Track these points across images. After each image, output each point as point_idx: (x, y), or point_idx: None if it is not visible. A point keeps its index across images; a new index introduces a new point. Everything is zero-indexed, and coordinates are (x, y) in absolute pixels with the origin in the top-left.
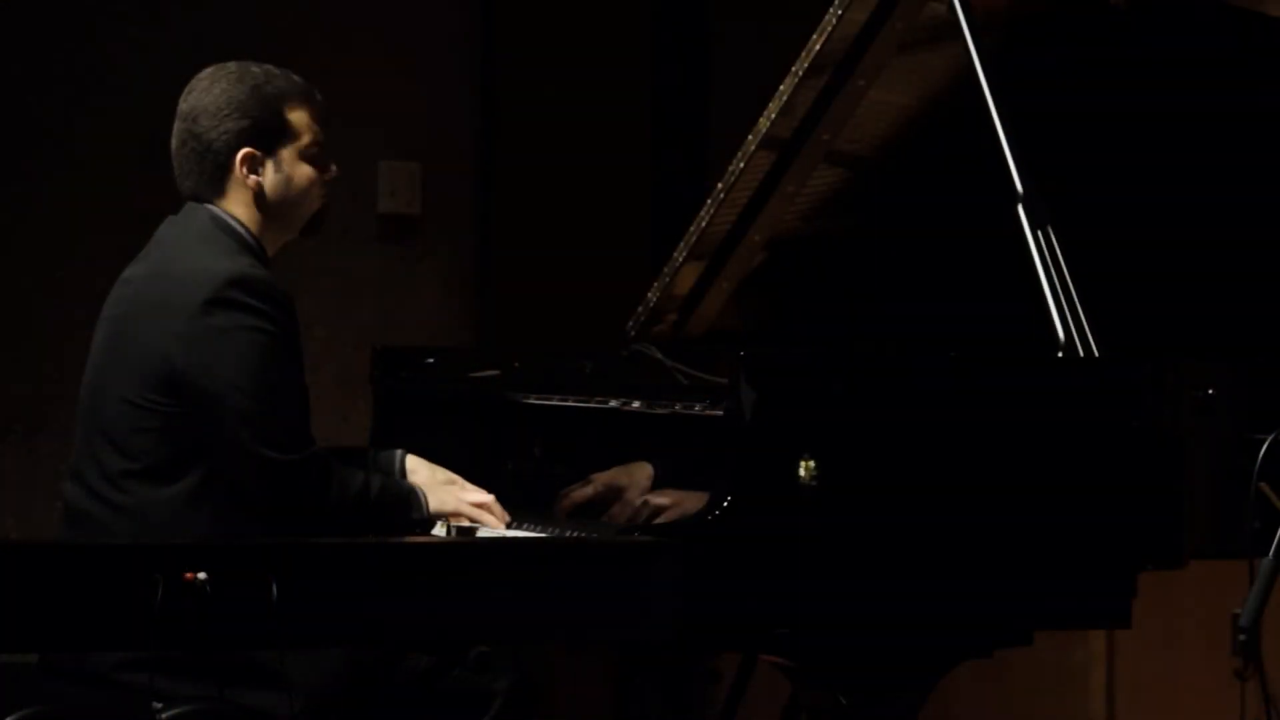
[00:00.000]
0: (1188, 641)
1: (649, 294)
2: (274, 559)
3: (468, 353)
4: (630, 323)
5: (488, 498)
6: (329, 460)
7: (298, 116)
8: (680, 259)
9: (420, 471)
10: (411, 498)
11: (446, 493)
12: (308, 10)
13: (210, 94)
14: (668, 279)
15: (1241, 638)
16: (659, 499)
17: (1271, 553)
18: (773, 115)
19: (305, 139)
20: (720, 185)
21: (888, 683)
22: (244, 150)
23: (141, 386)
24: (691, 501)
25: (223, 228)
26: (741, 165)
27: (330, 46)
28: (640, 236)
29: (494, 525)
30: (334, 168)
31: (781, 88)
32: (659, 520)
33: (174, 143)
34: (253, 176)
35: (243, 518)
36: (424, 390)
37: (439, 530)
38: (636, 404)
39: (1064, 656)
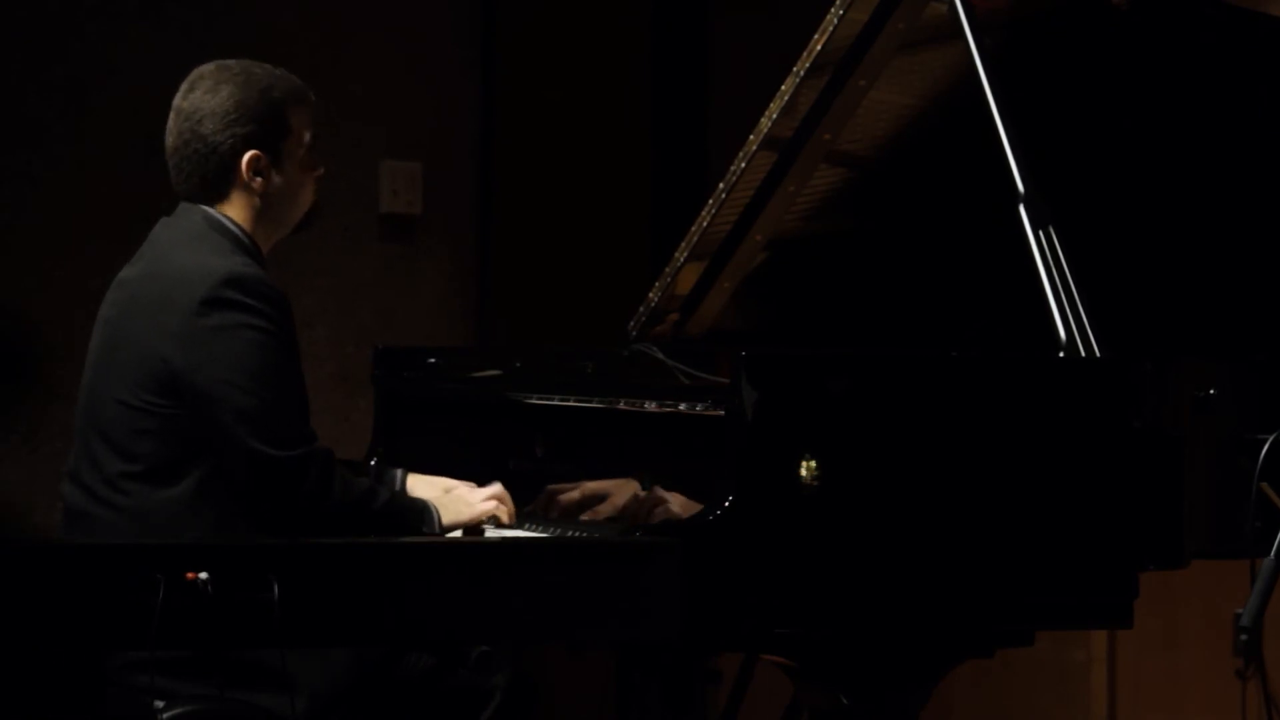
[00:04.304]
0: (1188, 641)
1: (650, 294)
2: (275, 559)
3: (469, 353)
4: (631, 322)
5: (497, 490)
6: (331, 457)
7: (298, 120)
8: (681, 259)
9: (420, 487)
10: (425, 514)
11: (456, 503)
12: (308, 9)
13: (217, 95)
14: (669, 279)
15: (1243, 638)
16: (660, 495)
17: (1272, 553)
18: (774, 115)
19: (305, 141)
20: (721, 185)
21: (889, 682)
22: (250, 154)
23: (138, 388)
24: (692, 501)
25: (216, 227)
26: (743, 165)
27: (330, 46)
28: (640, 236)
29: (508, 518)
30: (322, 169)
31: (783, 88)
32: (659, 520)
33: (172, 140)
34: (258, 179)
35: (244, 519)
36: (425, 390)
37: None
38: (637, 404)
39: (1064, 656)
